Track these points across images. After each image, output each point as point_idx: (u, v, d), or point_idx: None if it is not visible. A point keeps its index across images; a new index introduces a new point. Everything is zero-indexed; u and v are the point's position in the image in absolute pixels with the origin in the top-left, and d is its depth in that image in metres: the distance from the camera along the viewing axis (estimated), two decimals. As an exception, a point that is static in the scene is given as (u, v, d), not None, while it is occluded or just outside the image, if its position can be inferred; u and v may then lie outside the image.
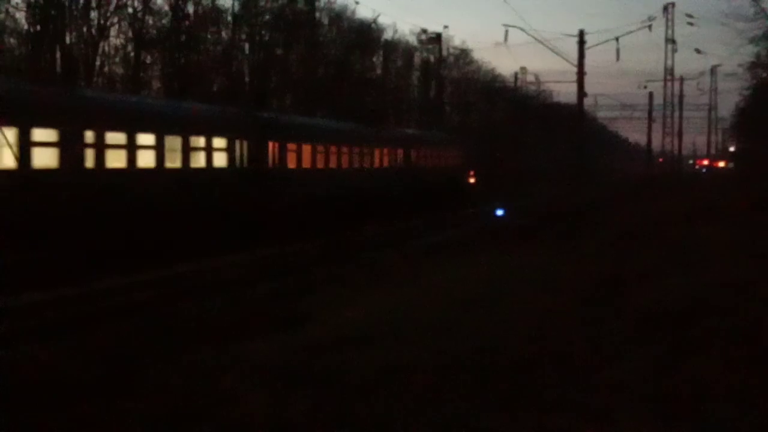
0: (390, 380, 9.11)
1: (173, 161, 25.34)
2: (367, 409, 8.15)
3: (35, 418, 8.40)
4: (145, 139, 23.91)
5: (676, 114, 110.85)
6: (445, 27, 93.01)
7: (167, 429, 8.13)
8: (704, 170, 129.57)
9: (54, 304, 17.01)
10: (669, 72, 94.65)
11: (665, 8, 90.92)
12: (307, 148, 32.83)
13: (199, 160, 25.97)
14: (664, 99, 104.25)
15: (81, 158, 20.79)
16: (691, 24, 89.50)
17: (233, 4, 52.22)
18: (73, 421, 8.36)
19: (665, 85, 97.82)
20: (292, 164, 31.92)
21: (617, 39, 67.70)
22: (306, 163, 32.77)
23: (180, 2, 47.26)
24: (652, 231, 28.29)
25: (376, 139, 41.11)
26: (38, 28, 40.27)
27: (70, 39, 41.63)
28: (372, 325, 12.79)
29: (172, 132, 25.09)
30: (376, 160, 40.93)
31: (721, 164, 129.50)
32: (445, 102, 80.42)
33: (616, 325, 11.96)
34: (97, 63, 42.96)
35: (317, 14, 55.55)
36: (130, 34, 44.88)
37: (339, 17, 60.30)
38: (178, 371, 10.30)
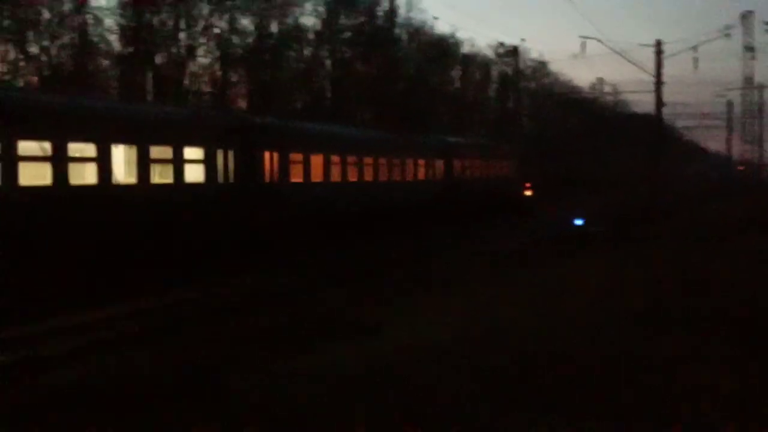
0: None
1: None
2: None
3: (143, 415, 8.79)
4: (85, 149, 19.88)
5: (757, 122, 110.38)
6: (522, 40, 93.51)
7: (277, 419, 8.49)
8: None
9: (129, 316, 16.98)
10: (748, 80, 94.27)
11: (743, 16, 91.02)
12: (317, 159, 28.52)
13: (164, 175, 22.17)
14: (743, 107, 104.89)
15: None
16: None
17: (315, 23, 53.51)
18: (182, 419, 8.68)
19: (744, 94, 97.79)
20: (296, 178, 27.80)
21: (695, 48, 67.93)
22: (316, 177, 28.57)
23: (264, 21, 48.86)
24: (723, 237, 28.50)
25: (408, 149, 36.62)
26: (130, 49, 42.28)
27: (161, 59, 43.49)
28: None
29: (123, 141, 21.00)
30: (409, 172, 36.19)
31: None
32: (522, 114, 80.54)
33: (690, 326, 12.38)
34: (186, 82, 44.42)
35: (396, 30, 56.09)
36: (216, 53, 46.26)
37: (417, 33, 60.78)
38: (278, 377, 10.49)
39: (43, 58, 39.04)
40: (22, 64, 38.20)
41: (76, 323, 15.87)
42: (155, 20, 42.97)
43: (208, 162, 22.81)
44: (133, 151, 20.34)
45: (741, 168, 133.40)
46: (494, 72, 79.84)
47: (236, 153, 23.90)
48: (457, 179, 40.72)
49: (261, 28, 48.61)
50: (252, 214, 24.22)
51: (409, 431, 8.26)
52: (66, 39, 39.81)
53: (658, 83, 62.58)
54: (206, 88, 46.60)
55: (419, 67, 61.17)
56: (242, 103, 47.50)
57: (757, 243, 26.74)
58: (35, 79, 38.12)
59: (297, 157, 27.27)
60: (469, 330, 13.32)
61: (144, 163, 20.63)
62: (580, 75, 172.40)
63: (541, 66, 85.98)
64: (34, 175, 17.98)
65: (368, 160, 32.20)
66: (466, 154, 42.93)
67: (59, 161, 18.34)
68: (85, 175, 19.40)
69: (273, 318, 16.36)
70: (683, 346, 11.74)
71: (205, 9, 45.21)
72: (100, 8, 41.12)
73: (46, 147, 18.42)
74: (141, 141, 20.61)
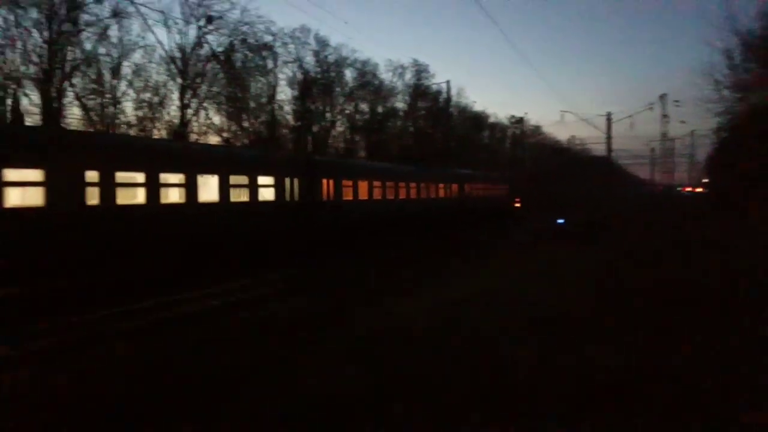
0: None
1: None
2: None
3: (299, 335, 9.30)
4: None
5: (669, 160, 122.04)
6: (526, 113, 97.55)
7: (367, 343, 8.73)
8: (687, 193, 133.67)
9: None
10: (664, 135, 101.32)
11: (661, 96, 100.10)
12: (363, 184, 26.25)
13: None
14: (661, 151, 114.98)
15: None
16: (677, 105, 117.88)
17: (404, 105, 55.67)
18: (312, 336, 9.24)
19: (662, 142, 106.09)
20: (347, 196, 25.47)
21: (630, 116, 74.17)
22: (362, 196, 26.17)
23: (374, 105, 51.29)
24: (657, 230, 29.57)
25: (428, 177, 33.64)
26: (299, 123, 45.18)
27: (316, 128, 46.33)
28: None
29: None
30: (432, 192, 33.62)
31: (699, 189, 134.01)
32: (525, 158, 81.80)
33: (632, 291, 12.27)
34: (330, 141, 47.02)
35: (451, 109, 56.71)
36: (347, 124, 49.07)
37: (464, 110, 62.56)
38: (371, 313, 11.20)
39: (250, 129, 41.59)
40: (239, 133, 40.59)
41: (234, 287, 15.39)
42: (312, 106, 45.16)
43: (291, 185, 21.65)
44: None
45: (660, 188, 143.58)
46: (508, 132, 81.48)
47: (303, 179, 22.44)
48: (467, 196, 38.84)
49: (373, 109, 50.79)
50: (312, 222, 22.61)
51: (456, 336, 8.82)
52: (263, 117, 42.26)
53: (608, 138, 67.46)
54: (340, 145, 48.61)
55: (464, 131, 62.63)
56: (362, 154, 49.25)
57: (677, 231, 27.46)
58: (246, 141, 39.98)
59: (347, 182, 25.53)
60: (492, 285, 13.56)
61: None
62: (561, 133, 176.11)
63: (536, 129, 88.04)
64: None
65: (401, 184, 30.04)
66: (474, 181, 41.07)
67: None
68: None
69: (360, 283, 15.82)
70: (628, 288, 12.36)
71: (341, 99, 47.42)
72: (281, 100, 43.71)
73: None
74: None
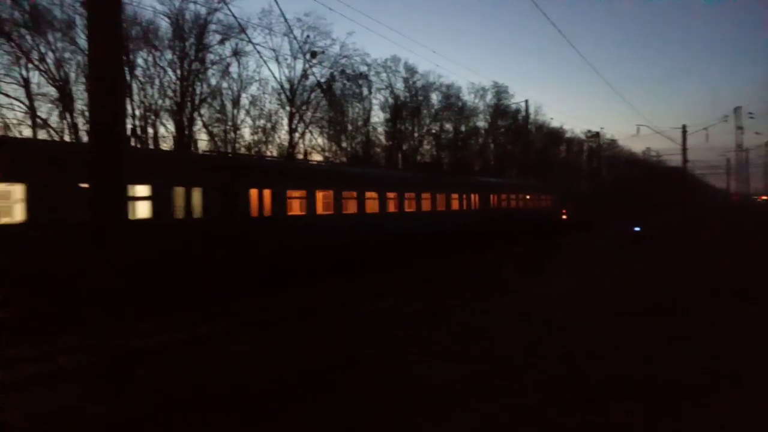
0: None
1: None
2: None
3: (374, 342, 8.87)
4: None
5: (745, 170, 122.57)
6: (602, 128, 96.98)
7: (465, 341, 8.74)
8: (763, 201, 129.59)
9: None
10: (739, 146, 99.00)
11: (735, 109, 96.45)
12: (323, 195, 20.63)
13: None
14: (736, 161, 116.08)
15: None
16: (751, 117, 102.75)
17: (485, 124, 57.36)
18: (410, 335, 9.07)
19: (737, 153, 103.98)
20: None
21: (706, 129, 72.98)
22: (327, 209, 20.68)
23: (457, 124, 53.47)
24: (732, 237, 29.29)
25: (430, 185, 26.95)
26: (390, 143, 48.19)
27: (405, 147, 48.82)
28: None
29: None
30: (438, 204, 27.01)
31: None
32: (602, 171, 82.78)
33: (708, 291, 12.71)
34: (418, 158, 48.39)
35: (529, 126, 58.12)
36: (433, 142, 51.31)
37: (541, 126, 63.59)
38: (467, 313, 11.11)
39: (348, 149, 45.02)
40: (337, 152, 43.84)
41: (334, 289, 14.77)
42: (402, 127, 47.78)
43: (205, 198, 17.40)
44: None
45: (737, 197, 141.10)
46: (585, 146, 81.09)
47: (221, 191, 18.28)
48: (493, 208, 33.15)
49: (456, 128, 52.79)
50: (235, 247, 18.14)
51: (545, 331, 9.17)
52: (359, 138, 45.39)
53: (684, 149, 67.72)
54: (427, 160, 48.53)
55: (542, 146, 63.36)
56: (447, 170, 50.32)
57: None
58: (344, 159, 42.79)
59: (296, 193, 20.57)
60: (575, 290, 13.68)
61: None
62: (636, 146, 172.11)
63: (612, 142, 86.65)
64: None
65: (390, 194, 23.84)
66: (504, 190, 35.43)
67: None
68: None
69: (456, 284, 15.64)
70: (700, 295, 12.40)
71: (428, 120, 49.97)
72: (375, 123, 46.77)
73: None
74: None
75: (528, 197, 38.34)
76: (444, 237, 24.76)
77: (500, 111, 56.40)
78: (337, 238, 19.10)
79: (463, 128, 53.11)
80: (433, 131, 50.50)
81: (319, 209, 19.46)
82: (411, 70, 47.47)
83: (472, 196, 30.68)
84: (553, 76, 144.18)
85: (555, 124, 71.71)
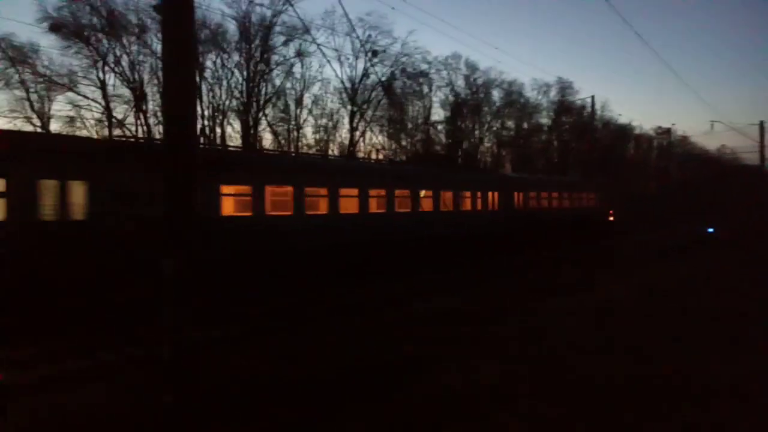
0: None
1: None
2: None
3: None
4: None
5: None
6: (673, 124, 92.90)
7: (528, 341, 8.79)
8: None
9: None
10: None
11: None
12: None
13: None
14: None
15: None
16: None
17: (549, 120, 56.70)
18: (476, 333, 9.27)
19: None
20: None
21: None
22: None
23: (519, 122, 53.28)
24: None
25: (431, 181, 21.40)
26: (450, 140, 48.10)
27: (466, 145, 48.82)
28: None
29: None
30: (443, 203, 21.56)
31: None
32: (672, 169, 79.40)
33: None
34: (478, 156, 49.22)
35: (595, 122, 55.17)
36: (494, 140, 51.23)
37: (608, 123, 61.74)
38: (530, 313, 11.11)
39: (408, 147, 45.16)
40: (397, 150, 44.25)
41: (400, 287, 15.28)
42: (462, 125, 47.73)
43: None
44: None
45: None
46: (654, 143, 78.80)
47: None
48: (518, 209, 27.24)
49: (518, 125, 52.40)
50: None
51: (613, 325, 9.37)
52: (419, 136, 45.52)
53: (762, 146, 64.03)
54: (488, 159, 50.68)
55: (609, 143, 61.75)
56: (508, 167, 50.52)
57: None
58: (404, 157, 42.82)
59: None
60: (644, 289, 13.75)
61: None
62: (710, 143, 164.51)
63: (684, 139, 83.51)
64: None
65: (372, 192, 18.68)
66: (532, 187, 28.84)
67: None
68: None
69: (521, 283, 15.65)
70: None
71: (488, 117, 49.59)
72: (435, 121, 46.81)
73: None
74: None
75: (565, 195, 31.90)
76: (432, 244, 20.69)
77: (564, 107, 55.28)
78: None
79: (525, 125, 52.47)
80: (495, 128, 50.37)
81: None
82: (472, 67, 47.24)
83: (490, 194, 24.81)
84: (620, 71, 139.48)
85: (623, 120, 69.18)
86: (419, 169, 23.95)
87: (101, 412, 6.34)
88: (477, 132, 49.26)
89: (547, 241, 26.30)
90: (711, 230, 35.09)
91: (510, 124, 51.51)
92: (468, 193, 23.39)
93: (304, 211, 15.82)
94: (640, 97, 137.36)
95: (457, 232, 22.09)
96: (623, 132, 64.23)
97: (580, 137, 56.47)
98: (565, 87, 55.00)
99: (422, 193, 20.80)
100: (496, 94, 49.67)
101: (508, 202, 25.99)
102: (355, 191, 17.80)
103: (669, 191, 64.78)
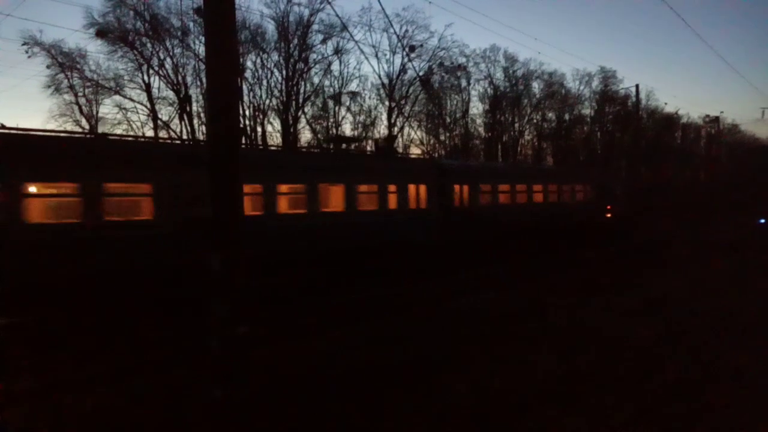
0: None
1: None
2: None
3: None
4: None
5: None
6: (721, 112, 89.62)
7: (571, 337, 8.81)
8: None
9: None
10: None
11: None
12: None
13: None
14: None
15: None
16: None
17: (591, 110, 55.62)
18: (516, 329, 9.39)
19: None
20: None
21: None
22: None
23: (561, 113, 52.21)
24: None
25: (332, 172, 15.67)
26: (489, 134, 48.48)
27: (505, 138, 48.79)
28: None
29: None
30: (358, 202, 16.07)
31: None
32: (722, 158, 77.14)
33: None
34: (519, 149, 48.81)
35: (640, 112, 54.90)
36: (534, 133, 50.68)
37: (654, 113, 59.93)
38: (579, 308, 11.00)
39: (447, 141, 45.43)
40: (436, 145, 44.59)
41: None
42: (502, 118, 47.27)
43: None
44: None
45: None
46: (702, 132, 75.65)
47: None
48: (471, 206, 20.50)
49: (559, 117, 51.42)
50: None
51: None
52: (457, 131, 45.35)
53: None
54: (529, 152, 50.26)
55: (655, 133, 60.17)
56: (550, 160, 50.00)
57: None
58: (443, 152, 43.57)
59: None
60: (689, 285, 13.43)
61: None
62: (762, 131, 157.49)
63: (734, 127, 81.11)
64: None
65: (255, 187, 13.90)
66: (492, 177, 21.73)
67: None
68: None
69: (563, 280, 15.28)
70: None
71: (528, 109, 48.92)
72: (474, 114, 46.75)
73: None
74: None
75: (538, 189, 24.13)
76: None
77: (607, 97, 53.98)
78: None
79: (566, 117, 51.60)
80: (535, 121, 49.68)
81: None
82: (511, 59, 46.62)
83: (411, 188, 18.10)
84: (665, 58, 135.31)
85: (669, 109, 67.03)
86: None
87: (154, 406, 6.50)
88: (517, 125, 48.84)
89: (508, 250, 19.83)
90: (762, 221, 33.78)
91: (551, 115, 50.67)
92: (365, 187, 16.45)
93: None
94: (687, 84, 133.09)
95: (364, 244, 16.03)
96: (670, 121, 61.93)
97: (624, 128, 55.23)
98: (608, 76, 53.69)
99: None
100: (536, 86, 49.02)
101: (443, 199, 19.11)
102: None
103: (719, 181, 62.29)
